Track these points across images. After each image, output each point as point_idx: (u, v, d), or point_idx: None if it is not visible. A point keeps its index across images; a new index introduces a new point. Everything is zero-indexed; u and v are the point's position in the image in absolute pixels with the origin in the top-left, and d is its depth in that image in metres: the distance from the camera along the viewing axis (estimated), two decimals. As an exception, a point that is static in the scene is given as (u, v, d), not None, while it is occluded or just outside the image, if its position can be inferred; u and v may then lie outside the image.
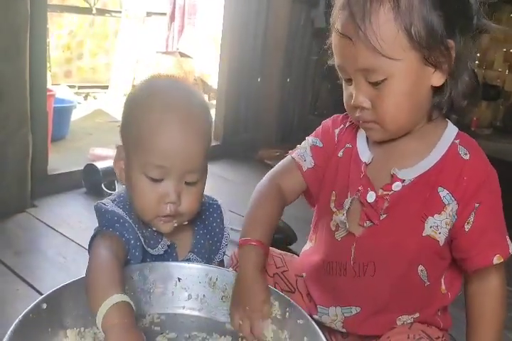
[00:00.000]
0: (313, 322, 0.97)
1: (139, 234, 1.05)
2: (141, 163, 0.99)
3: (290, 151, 1.22)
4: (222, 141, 3.43)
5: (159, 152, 0.97)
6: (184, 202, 1.02)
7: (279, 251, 1.28)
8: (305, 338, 0.95)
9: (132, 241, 1.03)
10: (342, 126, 1.16)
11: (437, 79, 0.96)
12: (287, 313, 1.01)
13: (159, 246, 1.09)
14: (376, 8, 0.91)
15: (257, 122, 3.60)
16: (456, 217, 1.00)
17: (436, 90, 0.99)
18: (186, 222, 1.07)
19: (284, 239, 2.07)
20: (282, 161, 1.22)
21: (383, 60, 0.92)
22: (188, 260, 1.14)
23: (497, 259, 0.99)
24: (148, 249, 1.07)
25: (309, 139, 1.19)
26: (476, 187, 0.99)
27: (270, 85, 3.56)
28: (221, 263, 1.23)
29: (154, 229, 1.06)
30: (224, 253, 1.21)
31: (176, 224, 1.04)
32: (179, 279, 1.10)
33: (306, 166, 1.17)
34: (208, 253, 1.16)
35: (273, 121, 3.65)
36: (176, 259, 1.13)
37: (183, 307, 1.10)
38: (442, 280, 1.08)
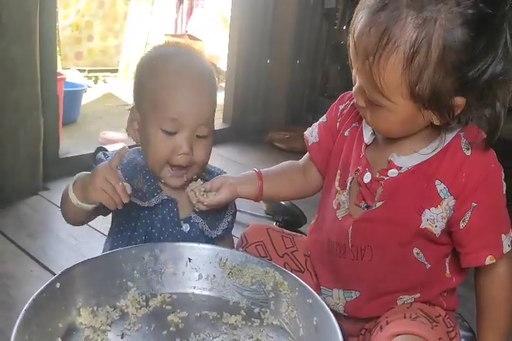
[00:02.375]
0: (323, 301, 0.98)
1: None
2: (158, 118, 1.08)
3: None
4: (231, 124, 3.42)
5: (174, 107, 1.07)
6: (196, 153, 1.11)
7: (289, 231, 1.29)
8: (314, 317, 0.97)
9: None
10: (348, 102, 1.16)
11: (437, 120, 0.93)
12: (297, 292, 1.02)
13: (153, 199, 1.15)
14: (389, 52, 0.84)
15: (266, 104, 3.58)
16: (452, 211, 0.98)
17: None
18: (195, 176, 1.14)
19: (293, 220, 2.08)
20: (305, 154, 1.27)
21: (381, 96, 0.90)
22: (190, 218, 1.19)
23: (489, 260, 0.98)
24: (136, 200, 1.13)
25: (320, 119, 1.22)
26: (475, 186, 0.96)
27: (280, 67, 3.54)
28: (227, 234, 1.26)
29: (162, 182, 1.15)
30: (228, 223, 1.24)
31: (185, 179, 1.13)
32: (190, 259, 1.12)
33: (311, 141, 1.20)
34: (211, 218, 1.20)
35: (283, 103, 3.63)
36: (176, 215, 1.18)
37: (194, 287, 1.12)
38: (446, 264, 1.07)
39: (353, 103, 1.13)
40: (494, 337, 1.03)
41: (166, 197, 1.17)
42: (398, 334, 0.93)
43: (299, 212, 2.07)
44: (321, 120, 1.21)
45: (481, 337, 1.04)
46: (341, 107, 1.17)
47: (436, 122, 0.94)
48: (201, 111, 1.10)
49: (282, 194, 1.23)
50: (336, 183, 1.12)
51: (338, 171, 1.12)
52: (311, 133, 1.21)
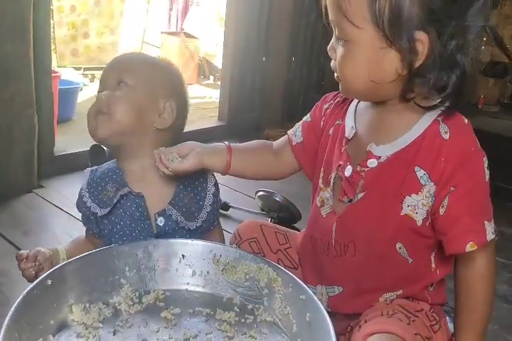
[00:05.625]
0: (316, 298, 0.98)
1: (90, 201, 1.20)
2: None
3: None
4: (227, 121, 3.42)
5: None
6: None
7: (283, 227, 1.28)
8: (307, 314, 0.96)
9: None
10: (331, 101, 1.16)
11: (401, 67, 0.90)
12: (290, 289, 1.02)
13: (116, 196, 1.16)
14: None
15: (262, 102, 3.58)
16: (434, 198, 0.96)
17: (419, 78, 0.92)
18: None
19: (288, 217, 2.08)
20: (280, 138, 1.25)
21: (346, 22, 0.90)
22: (164, 211, 1.16)
23: (470, 247, 0.95)
24: (102, 211, 1.17)
25: (304, 118, 1.21)
26: (454, 170, 0.93)
27: (275, 64, 3.53)
28: (212, 226, 1.25)
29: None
30: (208, 213, 1.21)
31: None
32: (183, 256, 1.12)
33: (295, 141, 1.19)
34: (187, 209, 1.18)
35: (279, 101, 3.63)
36: (144, 209, 1.16)
37: (188, 284, 1.11)
38: (432, 258, 1.05)
39: (337, 101, 1.14)
40: (470, 330, 1.00)
41: (129, 191, 1.15)
42: (373, 333, 0.91)
43: (295, 209, 2.07)
44: (304, 119, 1.21)
45: (458, 331, 1.02)
46: (325, 106, 1.16)
47: (400, 70, 0.90)
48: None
49: (250, 171, 1.20)
50: (320, 181, 1.12)
51: (322, 168, 1.12)
52: (295, 133, 1.20)
